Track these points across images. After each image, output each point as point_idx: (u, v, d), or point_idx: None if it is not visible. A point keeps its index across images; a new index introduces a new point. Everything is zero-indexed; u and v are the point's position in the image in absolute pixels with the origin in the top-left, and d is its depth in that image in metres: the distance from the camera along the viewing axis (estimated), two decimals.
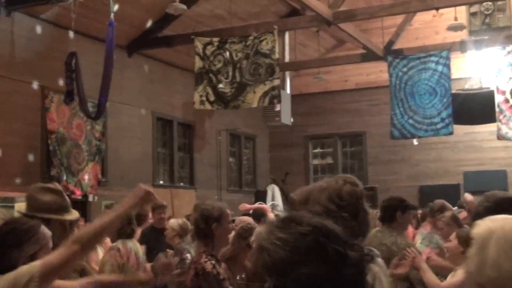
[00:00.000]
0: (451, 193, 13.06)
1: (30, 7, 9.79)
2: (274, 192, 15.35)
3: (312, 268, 1.34)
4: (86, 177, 10.92)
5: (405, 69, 12.64)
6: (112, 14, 8.45)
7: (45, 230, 2.79)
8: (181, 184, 13.97)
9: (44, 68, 10.23)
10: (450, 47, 12.51)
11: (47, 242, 2.74)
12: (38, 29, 10.25)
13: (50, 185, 3.39)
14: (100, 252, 5.80)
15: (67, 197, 3.50)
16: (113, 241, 5.40)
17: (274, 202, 14.21)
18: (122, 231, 5.07)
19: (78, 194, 10.65)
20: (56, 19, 10.39)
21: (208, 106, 11.43)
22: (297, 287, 1.35)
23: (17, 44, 9.93)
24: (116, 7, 8.53)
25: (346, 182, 2.44)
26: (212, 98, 11.30)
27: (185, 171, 14.24)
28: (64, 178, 10.43)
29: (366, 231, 2.43)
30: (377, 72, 15.03)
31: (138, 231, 6.80)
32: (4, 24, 9.51)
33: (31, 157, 10.03)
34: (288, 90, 14.89)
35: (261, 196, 14.67)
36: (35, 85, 10.13)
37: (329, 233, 1.41)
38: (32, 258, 2.61)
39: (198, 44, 11.29)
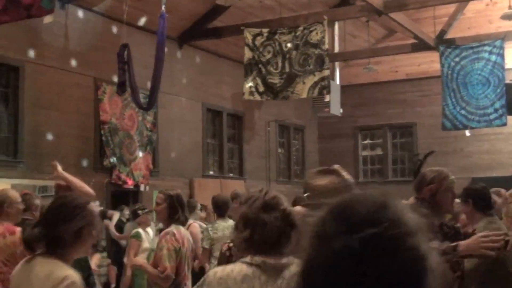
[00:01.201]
0: (505, 185, 12.78)
1: (84, 0, 9.96)
2: None
3: None
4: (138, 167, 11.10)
5: (457, 59, 12.43)
6: (163, 6, 8.52)
7: (93, 208, 2.90)
8: (230, 174, 14.06)
9: (97, 59, 10.41)
10: (504, 37, 12.24)
11: (93, 219, 2.84)
12: (91, 21, 10.43)
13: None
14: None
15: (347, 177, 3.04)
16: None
17: None
18: (176, 218, 5.14)
19: (130, 183, 10.84)
20: (109, 11, 10.56)
21: (257, 97, 11.45)
22: None
23: (70, 36, 10.13)
24: None
25: None
26: (261, 89, 11.32)
27: (234, 162, 14.32)
28: (117, 168, 10.63)
29: None
30: (428, 62, 14.81)
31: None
32: (58, 17, 9.70)
33: (84, 147, 10.24)
34: (337, 81, 14.80)
35: None
36: (88, 77, 10.32)
37: None
38: (77, 233, 2.74)
39: (248, 35, 11.31)
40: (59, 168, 4.54)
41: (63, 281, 2.60)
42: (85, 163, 10.20)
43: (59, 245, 2.72)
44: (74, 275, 2.68)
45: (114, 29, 10.28)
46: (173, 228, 5.05)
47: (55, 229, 2.73)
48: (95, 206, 2.99)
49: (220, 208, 7.24)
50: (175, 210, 5.08)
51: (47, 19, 6.90)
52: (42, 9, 6.18)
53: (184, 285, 4.96)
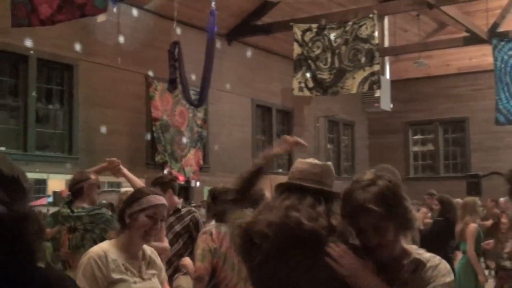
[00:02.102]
0: None
1: None
2: None
3: None
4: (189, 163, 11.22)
5: (510, 53, 12.16)
6: (213, 3, 8.59)
7: (151, 198, 3.00)
8: (280, 170, 14.07)
9: (148, 57, 10.56)
10: None
11: (148, 207, 2.94)
12: (143, 19, 10.59)
13: None
14: None
15: None
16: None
17: None
18: (219, 214, 5.05)
19: (181, 179, 10.96)
20: (160, 9, 10.69)
21: (307, 93, 11.44)
22: None
23: (123, 34, 10.28)
24: None
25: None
26: (311, 84, 11.30)
27: (284, 158, 14.32)
28: (168, 164, 10.77)
29: None
30: (481, 56, 14.53)
31: None
32: (111, 16, 9.86)
33: (136, 144, 10.41)
34: (387, 76, 14.65)
35: None
36: (140, 74, 10.49)
37: None
38: (131, 216, 2.97)
39: (297, 30, 11.31)
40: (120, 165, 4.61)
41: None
42: (137, 158, 10.35)
43: (122, 227, 3.00)
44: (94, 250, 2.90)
45: (165, 27, 10.38)
46: (212, 227, 4.96)
47: (121, 212, 3.02)
48: (157, 197, 3.10)
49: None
50: (215, 207, 5.03)
51: (100, 18, 7.03)
52: (96, 8, 6.30)
53: (224, 286, 4.83)
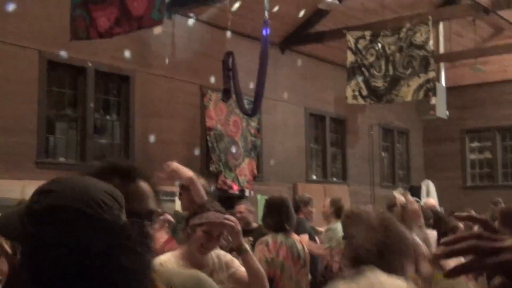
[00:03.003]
0: None
1: (189, 9, 10.23)
2: (429, 188, 14.96)
3: None
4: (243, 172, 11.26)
5: None
6: (266, 13, 8.62)
7: (210, 215, 3.07)
8: (334, 179, 13.99)
9: (203, 67, 10.65)
10: None
11: (205, 223, 3.20)
12: (197, 30, 10.70)
13: None
14: None
15: None
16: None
17: (429, 198, 13.84)
18: (277, 225, 5.02)
19: (235, 189, 11.00)
20: (213, 20, 10.78)
21: (360, 101, 11.35)
22: None
23: (177, 45, 10.42)
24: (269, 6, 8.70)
25: None
26: (364, 92, 11.21)
27: (338, 166, 14.25)
28: (222, 173, 10.82)
29: None
30: None
31: None
32: (166, 27, 10.01)
33: (191, 153, 10.49)
34: (443, 82, 14.41)
35: (415, 191, 14.32)
36: (194, 84, 10.60)
37: None
38: (191, 228, 3.22)
39: (350, 38, 11.24)
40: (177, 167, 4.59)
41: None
42: (192, 168, 10.42)
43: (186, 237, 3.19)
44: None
45: (219, 37, 10.47)
46: (268, 237, 4.94)
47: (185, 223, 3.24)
48: (216, 215, 3.13)
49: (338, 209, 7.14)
50: (271, 217, 5.01)
51: (157, 29, 7.17)
52: (152, 20, 6.40)
53: None
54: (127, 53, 9.44)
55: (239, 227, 3.21)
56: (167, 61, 10.16)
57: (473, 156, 16.47)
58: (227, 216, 3.18)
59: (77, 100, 8.99)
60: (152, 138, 9.76)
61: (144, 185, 1.51)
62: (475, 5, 10.47)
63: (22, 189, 7.92)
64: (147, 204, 1.48)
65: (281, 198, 5.27)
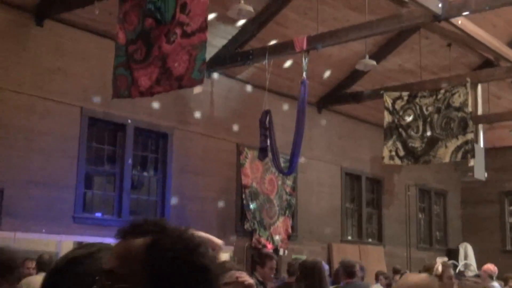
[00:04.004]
0: None
1: (228, 68, 10.39)
2: (467, 251, 14.63)
3: None
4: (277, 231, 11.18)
5: None
6: (304, 73, 8.71)
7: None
8: (369, 240, 13.79)
9: (240, 125, 10.74)
10: None
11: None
12: (235, 88, 10.84)
13: None
14: None
15: None
16: None
17: (467, 261, 13.54)
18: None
19: (269, 247, 10.90)
20: (251, 79, 10.92)
21: (397, 161, 11.26)
22: None
23: (215, 103, 10.56)
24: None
25: None
26: (401, 153, 11.12)
27: (373, 227, 14.06)
28: (257, 231, 10.77)
29: None
30: None
31: None
32: (205, 85, 10.18)
33: (226, 211, 10.49)
34: (481, 144, 14.23)
35: (453, 254, 14.05)
36: (231, 142, 10.67)
37: None
38: None
39: (387, 99, 11.24)
40: None
41: None
42: (227, 226, 10.42)
43: None
44: None
45: (257, 96, 10.58)
46: None
47: None
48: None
49: None
50: (305, 280, 4.98)
51: (197, 89, 7.28)
52: (192, 80, 6.49)
53: None
54: (166, 111, 9.59)
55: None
56: (205, 119, 10.28)
57: None
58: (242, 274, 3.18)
59: (115, 156, 9.11)
60: (190, 195, 9.81)
61: None
62: None
63: (58, 243, 7.99)
64: None
65: (314, 262, 5.24)
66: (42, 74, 8.12)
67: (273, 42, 9.59)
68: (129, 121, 9.09)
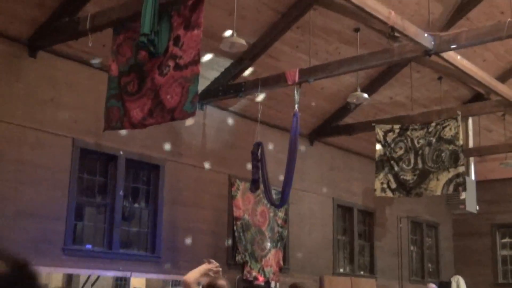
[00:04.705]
0: None
1: (221, 100, 10.42)
2: (460, 284, 14.58)
3: None
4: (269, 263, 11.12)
5: None
6: (296, 106, 8.75)
7: None
8: (361, 272, 13.73)
9: (232, 157, 10.75)
10: None
11: None
12: (227, 120, 10.86)
13: None
14: None
15: None
16: None
17: None
18: None
19: (261, 280, 10.84)
20: (243, 111, 10.95)
21: (389, 194, 11.26)
22: None
23: (207, 135, 10.57)
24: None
25: None
26: (393, 185, 11.14)
27: (365, 259, 14.01)
28: (248, 264, 10.70)
29: None
30: None
31: None
32: (197, 117, 10.21)
33: (218, 243, 10.43)
34: (472, 177, 14.29)
35: (445, 287, 13.97)
36: (223, 174, 10.65)
37: None
38: None
39: (379, 131, 11.29)
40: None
41: None
42: (218, 258, 10.34)
43: None
44: None
45: (249, 127, 10.61)
46: None
47: None
48: None
49: None
50: None
51: (189, 121, 7.27)
52: (185, 112, 6.50)
53: None
54: (158, 143, 9.58)
55: None
56: (197, 150, 10.28)
57: (504, 252, 16.10)
58: None
59: (107, 187, 9.07)
60: (181, 227, 9.76)
61: None
62: (504, 101, 10.50)
63: (48, 275, 7.92)
64: None
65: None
66: (35, 105, 8.12)
67: (265, 75, 9.64)
68: (121, 152, 9.08)
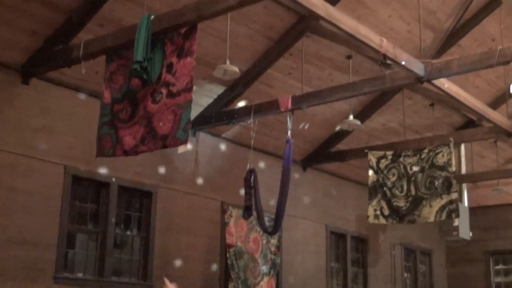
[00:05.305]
0: None
1: (214, 127, 10.43)
2: None
3: None
4: None
5: None
6: (289, 132, 8.75)
7: None
8: None
9: (225, 183, 10.72)
10: None
11: None
12: (220, 147, 10.85)
13: None
14: None
15: None
16: None
17: None
18: None
19: None
20: (237, 138, 10.95)
21: (382, 221, 11.24)
22: None
23: (200, 161, 10.55)
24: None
25: None
26: (386, 212, 11.12)
27: (359, 287, 13.93)
28: None
29: None
30: None
31: None
32: (190, 144, 10.20)
33: (210, 270, 10.35)
34: (465, 203, 14.31)
35: None
36: (216, 201, 10.62)
37: None
38: None
39: (372, 158, 11.30)
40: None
41: None
42: (210, 286, 10.27)
43: None
44: None
45: (242, 154, 10.60)
46: None
47: None
48: None
49: None
50: None
51: (181, 148, 7.25)
52: (177, 139, 6.48)
53: None
54: (150, 169, 9.55)
55: None
56: (189, 177, 10.25)
57: (498, 279, 16.05)
58: None
59: (99, 214, 9.02)
60: (173, 255, 9.69)
61: None
62: (496, 128, 10.54)
63: None
64: None
65: None
66: (27, 132, 8.09)
67: (258, 101, 9.67)
68: (113, 179, 9.04)
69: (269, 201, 10.03)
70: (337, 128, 10.88)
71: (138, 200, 9.64)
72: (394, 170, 11.17)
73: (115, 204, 9.10)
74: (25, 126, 8.08)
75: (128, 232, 9.51)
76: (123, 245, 9.43)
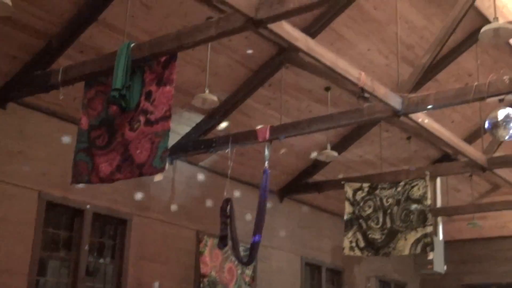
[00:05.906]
0: None
1: (191, 156, 10.40)
2: None
3: None
4: None
5: None
6: (266, 162, 8.74)
7: None
8: None
9: (200, 213, 10.65)
10: None
11: None
12: (197, 176, 10.81)
13: None
14: None
15: None
16: None
17: None
18: None
19: None
20: (213, 167, 10.92)
21: (358, 253, 11.23)
22: None
23: (176, 190, 10.49)
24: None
25: None
26: (362, 244, 11.12)
27: None
28: None
29: None
30: None
31: None
32: (166, 172, 10.12)
33: None
34: (440, 236, 14.37)
35: None
36: (191, 230, 10.54)
37: None
38: None
39: (348, 189, 11.33)
40: None
41: None
42: None
43: None
44: None
45: (218, 183, 10.55)
46: None
47: None
48: None
49: None
50: None
51: (157, 177, 7.22)
52: (154, 168, 6.44)
53: None
54: (126, 197, 9.47)
55: None
56: (165, 205, 10.18)
57: None
58: None
59: (72, 241, 8.90)
60: (147, 284, 9.57)
61: None
62: (471, 163, 10.64)
63: None
64: None
65: None
66: (2, 157, 8.00)
67: (236, 131, 9.67)
68: (88, 206, 8.94)
69: (245, 231, 9.96)
70: (312, 155, 10.91)
71: (112, 228, 9.54)
72: (370, 202, 11.20)
73: (89, 232, 8.99)
74: (0, 151, 7.98)
75: (101, 260, 9.38)
76: (96, 273, 9.30)
